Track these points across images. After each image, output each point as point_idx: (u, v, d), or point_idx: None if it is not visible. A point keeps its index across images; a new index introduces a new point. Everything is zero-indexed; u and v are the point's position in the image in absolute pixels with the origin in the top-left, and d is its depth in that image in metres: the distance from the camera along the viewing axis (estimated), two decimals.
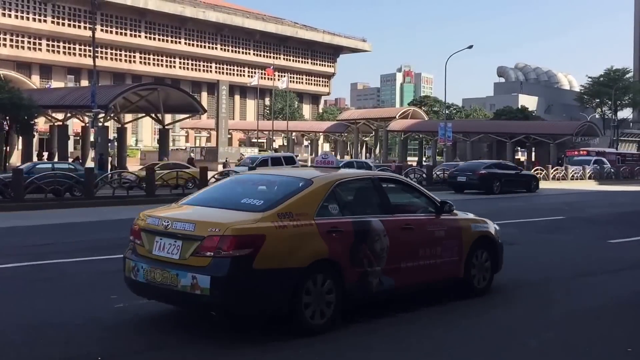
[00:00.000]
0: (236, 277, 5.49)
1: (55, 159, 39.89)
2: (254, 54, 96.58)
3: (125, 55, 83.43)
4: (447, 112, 77.17)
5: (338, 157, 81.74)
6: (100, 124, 36.02)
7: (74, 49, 78.53)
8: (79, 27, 76.67)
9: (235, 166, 29.18)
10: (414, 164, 61.03)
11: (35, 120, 40.87)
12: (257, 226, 5.70)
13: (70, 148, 50.49)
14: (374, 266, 6.46)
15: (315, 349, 5.60)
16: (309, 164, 49.20)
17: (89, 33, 41.17)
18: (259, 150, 61.11)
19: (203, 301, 5.60)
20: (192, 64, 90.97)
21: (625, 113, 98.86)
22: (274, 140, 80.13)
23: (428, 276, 7.20)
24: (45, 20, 75.09)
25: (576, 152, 46.28)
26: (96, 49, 40.26)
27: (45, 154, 46.79)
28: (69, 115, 44.53)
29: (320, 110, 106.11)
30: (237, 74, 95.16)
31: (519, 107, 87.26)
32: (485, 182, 27.74)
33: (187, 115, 51.19)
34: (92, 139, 41.43)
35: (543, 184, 33.24)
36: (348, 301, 6.25)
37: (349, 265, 6.18)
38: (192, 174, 27.06)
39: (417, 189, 7.72)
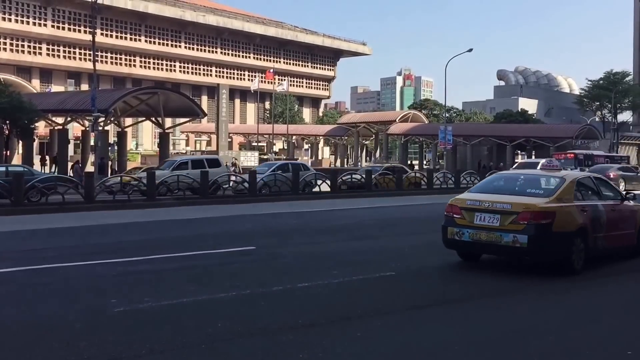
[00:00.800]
0: (544, 236, 9.02)
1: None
2: (254, 57, 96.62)
3: (126, 59, 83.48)
4: (447, 115, 77.28)
5: (338, 161, 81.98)
6: (100, 128, 36.01)
7: (74, 53, 78.60)
8: (79, 31, 76.72)
9: (156, 169, 28.38)
10: (416, 167, 61.07)
11: (36, 125, 40.86)
12: (551, 206, 9.24)
13: (71, 152, 50.45)
14: (599, 233, 9.91)
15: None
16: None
17: (89, 37, 41.19)
18: (259, 154, 61.03)
19: (521, 251, 9.20)
20: (192, 68, 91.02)
21: (625, 116, 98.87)
22: (274, 144, 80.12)
23: (620, 242, 10.68)
24: (45, 25, 75.14)
25: (563, 155, 46.38)
26: (96, 53, 40.29)
27: (48, 158, 46.85)
28: (69, 119, 44.50)
29: (321, 114, 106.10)
30: (238, 78, 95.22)
31: (519, 110, 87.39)
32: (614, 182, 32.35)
33: (188, 119, 51.14)
34: (92, 143, 41.39)
35: None
36: (587, 255, 9.64)
37: (590, 231, 9.66)
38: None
39: (611, 184, 11.37)
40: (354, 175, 31.52)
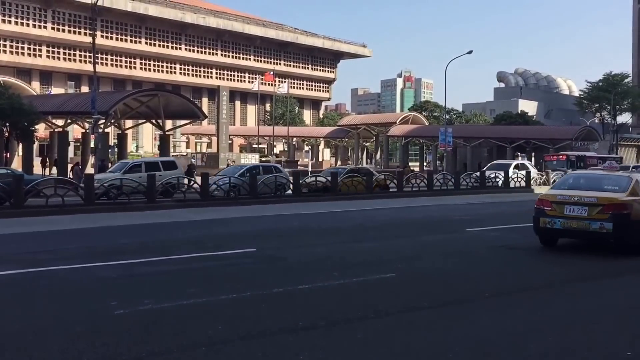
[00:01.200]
0: (625, 224, 11.09)
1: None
2: (254, 59, 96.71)
3: (126, 62, 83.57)
4: (447, 117, 77.24)
5: (339, 162, 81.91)
6: (100, 130, 36.01)
7: (74, 55, 78.67)
8: (79, 33, 76.80)
9: (108, 171, 27.77)
10: (416, 169, 61.11)
11: (36, 127, 40.89)
12: (628, 199, 11.26)
13: (71, 154, 50.46)
14: None
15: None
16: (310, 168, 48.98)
17: (89, 39, 41.25)
18: (260, 156, 60.94)
19: (607, 236, 11.17)
20: (192, 70, 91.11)
21: (625, 117, 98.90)
22: (275, 146, 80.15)
23: None
24: (45, 27, 75.23)
25: (555, 157, 46.20)
26: (96, 55, 40.31)
27: (48, 160, 46.81)
28: (69, 121, 44.52)
29: (321, 116, 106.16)
30: (238, 80, 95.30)
31: (519, 112, 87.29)
32: None
33: (188, 121, 51.16)
34: (92, 145, 41.39)
35: (539, 190, 33.10)
36: None
37: None
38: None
39: None
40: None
